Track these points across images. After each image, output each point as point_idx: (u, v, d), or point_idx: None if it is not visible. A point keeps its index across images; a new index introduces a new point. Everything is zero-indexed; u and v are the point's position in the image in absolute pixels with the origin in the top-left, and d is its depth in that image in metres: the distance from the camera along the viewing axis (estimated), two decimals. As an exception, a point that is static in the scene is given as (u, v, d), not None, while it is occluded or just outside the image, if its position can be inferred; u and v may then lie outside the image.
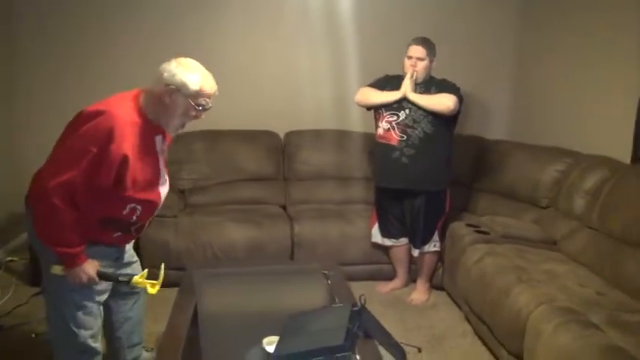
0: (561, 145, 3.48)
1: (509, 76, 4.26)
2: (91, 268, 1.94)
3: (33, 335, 2.75)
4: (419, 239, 3.32)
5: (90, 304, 2.03)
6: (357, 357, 1.78)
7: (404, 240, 3.39)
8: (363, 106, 3.35)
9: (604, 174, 2.92)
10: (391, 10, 4.08)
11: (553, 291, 2.40)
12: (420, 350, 2.73)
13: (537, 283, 2.49)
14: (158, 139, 2.01)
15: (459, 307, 3.17)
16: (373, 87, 3.29)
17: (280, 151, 4.05)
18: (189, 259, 3.27)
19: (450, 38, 3.84)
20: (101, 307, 2.10)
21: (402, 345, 2.09)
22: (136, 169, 1.89)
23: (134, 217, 2.00)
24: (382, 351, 1.95)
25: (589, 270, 2.72)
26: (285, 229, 3.47)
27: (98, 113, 1.81)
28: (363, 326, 1.85)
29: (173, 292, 2.38)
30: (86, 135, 1.80)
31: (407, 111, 3.13)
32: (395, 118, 3.15)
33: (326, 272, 2.51)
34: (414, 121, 3.12)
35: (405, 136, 3.13)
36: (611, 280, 2.58)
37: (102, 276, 1.99)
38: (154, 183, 2.02)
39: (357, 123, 3.90)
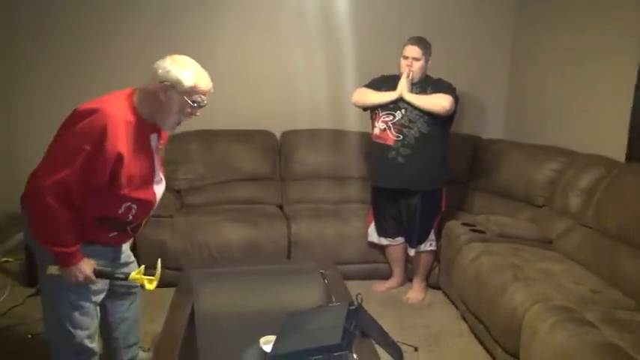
0: (557, 144, 3.49)
1: (505, 76, 4.28)
2: (87, 266, 1.94)
3: (29, 336, 2.75)
4: (415, 238, 3.32)
5: (86, 305, 2.02)
6: (354, 356, 1.78)
7: (400, 239, 3.40)
8: (359, 106, 3.35)
9: (599, 172, 2.93)
10: (387, 10, 4.08)
11: (549, 289, 2.41)
12: (416, 349, 2.74)
13: (533, 282, 2.50)
14: (153, 137, 2.01)
15: (455, 306, 3.18)
16: (369, 87, 3.29)
17: (276, 150, 4.05)
18: (185, 259, 3.27)
19: (446, 38, 3.85)
20: (97, 308, 2.10)
21: (398, 344, 2.10)
22: (131, 167, 1.89)
23: (130, 216, 2.00)
24: (379, 350, 1.96)
25: (584, 268, 2.73)
26: (281, 229, 3.48)
27: (92, 111, 1.81)
28: (359, 325, 1.85)
29: (170, 292, 2.38)
30: (80, 133, 1.80)
31: (403, 111, 3.14)
32: (391, 118, 3.16)
33: (323, 271, 2.51)
34: (410, 121, 3.13)
35: (401, 136, 3.14)
36: (607, 279, 2.60)
37: (99, 274, 1.99)
38: (149, 181, 2.02)
39: (354, 123, 3.90)
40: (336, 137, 4.03)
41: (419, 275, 3.42)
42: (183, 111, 1.92)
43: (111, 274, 2.05)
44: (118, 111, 1.85)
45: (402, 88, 3.13)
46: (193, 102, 1.91)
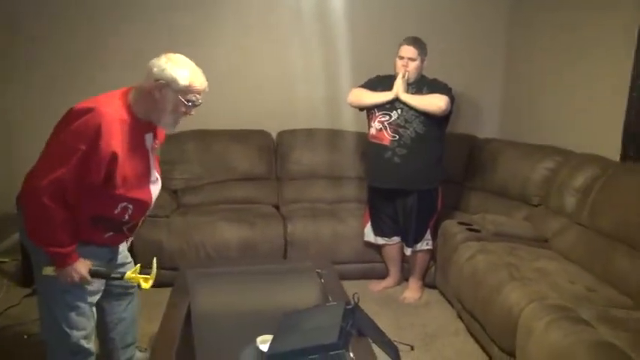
0: (552, 144, 3.51)
1: (500, 75, 4.29)
2: (82, 267, 1.93)
3: (25, 336, 2.74)
4: (411, 238, 3.33)
5: (82, 305, 2.02)
6: (351, 355, 1.78)
7: (396, 238, 3.41)
8: (355, 107, 3.36)
9: (594, 172, 2.95)
10: (382, 10, 4.09)
11: (544, 288, 2.42)
12: (412, 348, 2.75)
13: (529, 281, 2.50)
14: (148, 136, 2.01)
15: (452, 305, 3.19)
16: (365, 87, 3.30)
17: (273, 150, 4.05)
18: (182, 259, 3.27)
19: (441, 37, 3.86)
20: (94, 308, 2.09)
21: (395, 343, 2.10)
22: (126, 167, 1.88)
23: (126, 217, 1.99)
24: (375, 349, 1.96)
25: (579, 267, 2.74)
26: (278, 229, 3.48)
27: (87, 110, 1.81)
28: (356, 324, 1.86)
29: (166, 292, 2.38)
30: (75, 132, 1.79)
31: (399, 111, 3.15)
32: (387, 118, 3.17)
33: (319, 271, 2.52)
34: (406, 121, 3.13)
35: (397, 136, 3.15)
36: (602, 277, 2.61)
37: (94, 274, 1.98)
38: (144, 181, 2.02)
39: (350, 122, 3.91)
40: (333, 137, 4.03)
41: (415, 274, 3.43)
42: (177, 110, 1.92)
43: (107, 273, 2.05)
44: (112, 110, 1.85)
45: (398, 89, 3.13)
46: (188, 101, 1.91)
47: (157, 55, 1.93)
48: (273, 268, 2.81)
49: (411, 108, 3.12)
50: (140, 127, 1.94)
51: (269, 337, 1.85)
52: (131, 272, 2.05)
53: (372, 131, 3.24)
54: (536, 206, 3.37)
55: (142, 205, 2.03)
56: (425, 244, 3.36)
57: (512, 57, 4.21)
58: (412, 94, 3.15)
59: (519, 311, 2.30)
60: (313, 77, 4.07)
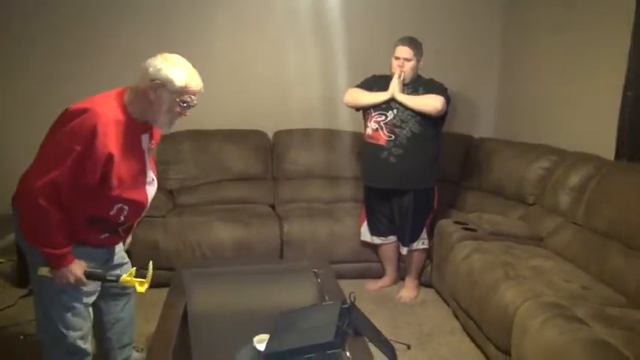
0: (547, 143, 3.52)
1: (495, 75, 4.31)
2: (77, 268, 1.93)
3: (21, 337, 2.74)
4: (407, 237, 3.34)
5: (78, 306, 2.02)
6: (347, 354, 1.79)
7: (392, 238, 3.41)
8: (351, 107, 3.37)
9: (589, 171, 2.96)
10: (378, 9, 4.09)
11: (539, 286, 2.43)
12: (409, 347, 2.75)
13: (524, 279, 2.51)
14: (144, 137, 2.01)
15: (448, 304, 3.19)
16: (361, 88, 3.31)
17: (269, 150, 4.05)
18: (178, 259, 3.27)
19: (436, 37, 3.88)
20: (90, 309, 2.09)
21: (391, 342, 2.11)
22: (121, 167, 1.88)
23: (121, 218, 1.99)
24: (372, 348, 1.97)
25: (575, 265, 2.75)
26: (274, 228, 3.48)
27: (82, 111, 1.80)
28: (352, 323, 1.86)
29: (163, 292, 2.38)
30: (70, 133, 1.79)
31: (395, 111, 3.15)
32: (383, 118, 3.17)
33: (316, 270, 2.52)
34: (402, 121, 3.14)
35: (393, 136, 3.15)
36: (597, 275, 2.62)
37: (90, 276, 1.98)
38: (140, 182, 2.02)
39: (346, 122, 3.92)
40: (329, 137, 4.04)
41: (411, 274, 3.44)
42: (172, 110, 1.91)
43: (102, 276, 2.04)
44: (108, 110, 1.84)
45: (394, 89, 3.14)
46: (183, 102, 1.90)
47: (152, 54, 1.92)
48: (269, 267, 2.81)
49: (407, 108, 3.13)
50: (136, 127, 1.94)
51: (266, 337, 1.86)
52: (127, 275, 2.04)
53: (368, 131, 3.25)
54: (531, 205, 3.38)
55: (137, 206, 2.02)
56: (421, 244, 3.37)
57: (507, 57, 4.22)
58: (408, 94, 3.15)
59: (515, 310, 2.31)
60: (309, 77, 4.08)
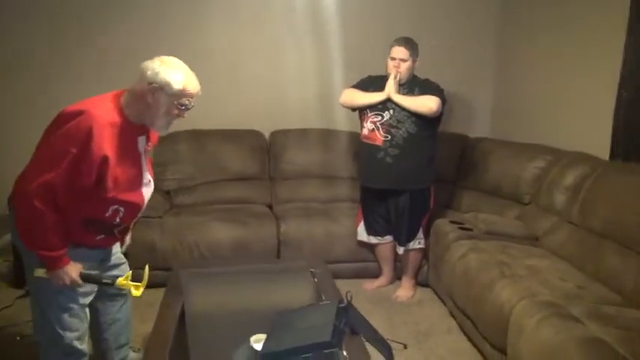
0: (542, 142, 3.53)
1: (491, 75, 4.32)
2: (73, 270, 1.92)
3: (18, 338, 2.73)
4: (404, 237, 3.35)
5: (75, 306, 2.02)
6: (344, 353, 1.79)
7: (389, 238, 3.42)
8: (348, 107, 3.37)
9: (584, 170, 2.97)
10: (374, 8, 4.10)
11: (535, 285, 2.44)
12: (405, 346, 2.76)
13: (520, 279, 2.52)
14: (141, 139, 2.00)
15: (444, 303, 3.21)
16: (357, 88, 3.31)
17: (266, 150, 4.05)
18: (175, 259, 3.27)
19: (432, 36, 3.89)
20: (87, 309, 2.09)
21: (388, 341, 2.11)
22: (117, 170, 1.88)
23: (117, 219, 1.99)
24: (369, 347, 1.97)
25: (570, 265, 2.76)
26: (271, 228, 3.48)
27: (77, 113, 1.80)
28: (349, 323, 1.87)
29: (160, 292, 2.38)
30: (66, 135, 1.79)
31: (391, 111, 3.16)
32: (379, 118, 3.18)
33: (312, 270, 2.52)
34: (398, 121, 3.15)
35: (390, 136, 3.16)
36: (592, 274, 2.63)
37: (85, 278, 1.98)
38: (136, 184, 2.01)
39: (343, 122, 3.93)
40: (326, 137, 4.04)
41: (408, 273, 3.44)
42: (170, 113, 1.91)
43: (98, 278, 2.04)
44: (103, 113, 1.84)
45: (390, 89, 3.15)
46: (181, 105, 1.90)
47: (148, 55, 1.92)
48: (266, 267, 2.81)
49: (403, 108, 3.13)
50: (132, 130, 1.94)
51: (263, 337, 1.86)
52: (123, 279, 2.04)
53: (365, 131, 3.26)
54: (527, 205, 3.40)
55: (133, 207, 2.02)
56: (417, 243, 3.38)
57: (503, 56, 4.23)
58: (404, 94, 3.16)
59: (510, 309, 2.32)
60: (306, 77, 4.08)
